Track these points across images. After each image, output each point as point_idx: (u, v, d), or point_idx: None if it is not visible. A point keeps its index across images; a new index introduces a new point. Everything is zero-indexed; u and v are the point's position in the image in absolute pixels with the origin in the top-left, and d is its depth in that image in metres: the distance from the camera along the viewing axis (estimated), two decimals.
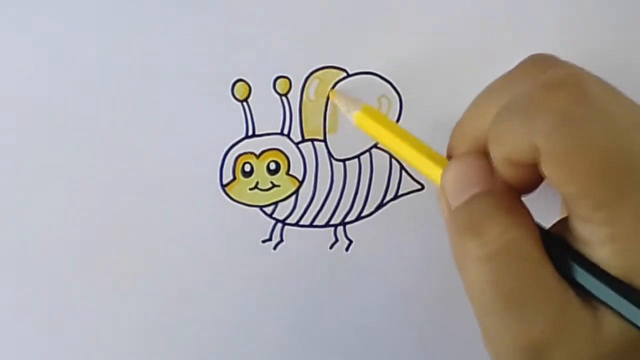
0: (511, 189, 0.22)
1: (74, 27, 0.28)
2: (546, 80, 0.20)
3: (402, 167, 0.31)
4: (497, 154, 0.22)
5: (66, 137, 0.29)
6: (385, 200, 0.31)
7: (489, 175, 0.22)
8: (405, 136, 0.27)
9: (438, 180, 0.24)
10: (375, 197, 0.31)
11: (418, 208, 0.31)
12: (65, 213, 0.30)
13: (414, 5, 0.29)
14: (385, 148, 0.30)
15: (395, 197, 0.31)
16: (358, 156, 0.31)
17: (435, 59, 0.30)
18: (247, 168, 0.30)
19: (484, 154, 0.23)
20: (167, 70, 0.29)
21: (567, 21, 0.30)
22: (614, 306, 0.20)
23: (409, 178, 0.31)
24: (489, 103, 0.22)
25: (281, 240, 0.31)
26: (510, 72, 0.23)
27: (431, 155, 0.26)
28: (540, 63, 0.22)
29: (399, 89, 0.30)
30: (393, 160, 0.31)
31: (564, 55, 0.23)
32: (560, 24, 0.30)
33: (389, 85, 0.30)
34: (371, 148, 0.30)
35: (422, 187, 0.31)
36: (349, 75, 0.30)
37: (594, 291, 0.20)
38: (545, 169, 0.20)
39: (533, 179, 0.21)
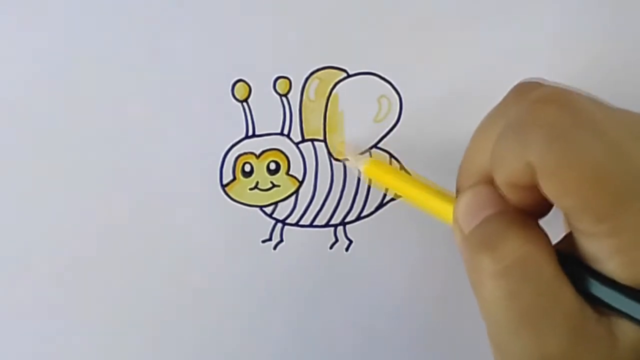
0: (523, 212, 0.22)
1: (73, 27, 0.28)
2: (534, 98, 0.20)
3: (402, 167, 0.31)
4: (500, 178, 0.22)
5: (66, 138, 0.29)
6: (385, 200, 0.31)
7: (500, 199, 0.22)
8: (413, 182, 0.27)
9: (451, 218, 0.24)
10: (375, 197, 0.31)
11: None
12: (65, 213, 0.30)
13: (414, 5, 0.29)
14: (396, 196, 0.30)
15: (395, 197, 0.31)
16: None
17: (435, 59, 0.30)
18: (247, 168, 0.30)
19: (492, 184, 0.23)
20: (167, 70, 0.29)
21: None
22: (634, 315, 0.20)
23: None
24: (487, 135, 0.23)
25: (281, 240, 0.31)
26: (499, 104, 0.23)
27: (441, 195, 0.26)
28: (525, 88, 0.22)
29: (399, 89, 0.30)
30: (393, 160, 0.31)
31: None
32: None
33: (389, 85, 0.30)
34: (371, 148, 0.30)
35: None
36: (349, 75, 0.30)
37: (612, 303, 0.20)
38: (542, 185, 0.20)
39: (542, 201, 0.21)
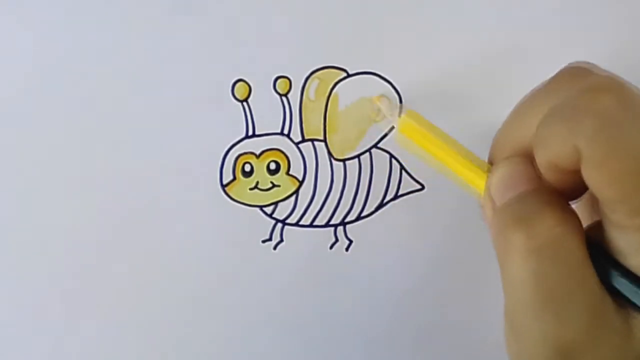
0: (558, 192, 0.22)
1: (74, 27, 0.28)
2: (589, 85, 0.20)
3: (402, 167, 0.31)
4: (542, 158, 0.22)
5: (66, 138, 0.29)
6: (385, 200, 0.31)
7: (536, 176, 0.22)
8: (450, 141, 0.26)
9: (481, 187, 0.24)
10: (375, 197, 0.31)
11: (418, 208, 0.31)
12: (65, 213, 0.30)
13: (414, 6, 0.29)
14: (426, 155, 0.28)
15: (395, 197, 0.31)
16: (358, 156, 0.31)
17: (435, 58, 0.30)
18: (247, 168, 0.30)
19: (529, 159, 0.23)
20: (167, 70, 0.29)
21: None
22: None
23: (409, 178, 0.31)
24: (530, 112, 0.22)
25: (281, 240, 0.31)
26: (549, 81, 0.23)
27: (476, 161, 0.25)
28: (580, 71, 0.22)
29: (399, 89, 0.30)
30: (393, 160, 0.31)
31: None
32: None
33: (389, 85, 0.30)
34: (371, 148, 0.30)
35: (422, 187, 0.31)
36: (349, 75, 0.30)
37: (633, 297, 0.20)
38: (586, 172, 0.20)
39: (578, 185, 0.21)
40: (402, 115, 0.28)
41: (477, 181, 0.25)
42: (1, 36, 0.28)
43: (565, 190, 0.22)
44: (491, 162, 0.25)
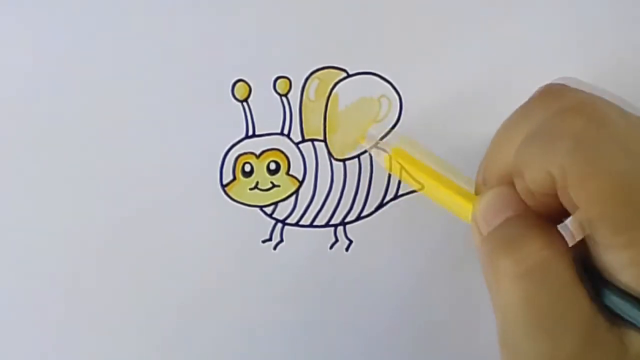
0: (543, 216, 0.22)
1: (74, 28, 0.28)
2: (560, 107, 0.20)
3: (402, 167, 0.31)
4: (521, 186, 0.22)
5: (66, 138, 0.29)
6: (385, 200, 0.31)
7: (521, 202, 0.22)
8: (435, 175, 0.27)
9: (468, 216, 0.24)
10: (375, 197, 0.31)
11: (418, 208, 0.31)
12: (65, 213, 0.30)
13: (415, 6, 0.29)
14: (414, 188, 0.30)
15: (395, 197, 0.31)
16: (358, 156, 0.31)
17: (435, 59, 0.30)
18: (247, 168, 0.30)
19: (513, 186, 0.23)
20: (167, 70, 0.29)
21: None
22: None
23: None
24: (510, 137, 0.23)
25: (281, 240, 0.31)
26: (524, 107, 0.23)
27: (461, 192, 0.26)
28: (553, 93, 0.22)
29: (399, 89, 0.30)
30: (393, 160, 0.31)
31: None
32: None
33: (389, 85, 0.30)
34: (371, 148, 0.30)
35: (422, 187, 0.31)
36: (349, 75, 0.30)
37: (624, 313, 0.20)
38: (563, 195, 0.20)
39: (560, 209, 0.21)
40: (389, 153, 0.29)
41: (464, 213, 0.25)
42: (1, 36, 0.28)
43: (551, 213, 0.22)
44: (477, 193, 0.25)
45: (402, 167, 0.29)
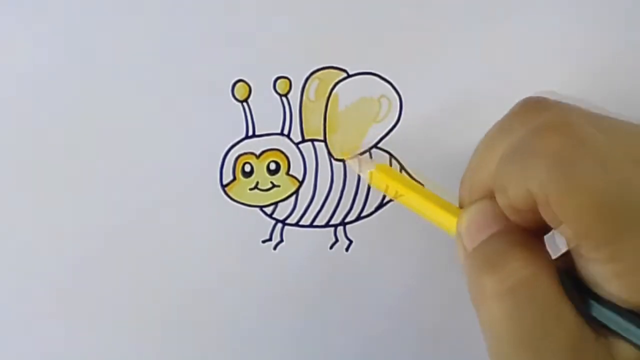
0: (526, 230, 0.22)
1: (74, 27, 0.28)
2: (537, 127, 0.20)
3: (402, 167, 0.31)
4: (502, 202, 0.22)
5: (65, 138, 0.29)
6: (385, 200, 0.31)
7: (503, 217, 0.22)
8: (419, 190, 0.28)
9: (453, 230, 0.24)
10: (375, 197, 0.31)
11: None
12: (64, 213, 0.30)
13: (415, 5, 0.29)
14: (399, 202, 0.30)
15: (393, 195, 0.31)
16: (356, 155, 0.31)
17: (435, 59, 0.30)
18: (247, 168, 0.30)
19: (495, 200, 0.23)
20: (167, 70, 0.29)
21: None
22: (632, 339, 0.20)
23: (409, 178, 0.31)
24: (490, 152, 0.23)
25: (281, 240, 0.31)
26: (503, 120, 0.23)
27: (445, 206, 0.26)
28: (531, 108, 0.22)
29: (399, 89, 0.30)
30: (393, 160, 0.31)
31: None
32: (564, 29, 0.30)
33: (389, 85, 0.30)
34: (371, 148, 0.30)
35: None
36: (349, 75, 0.30)
37: (611, 325, 0.20)
38: (543, 212, 0.20)
39: (543, 223, 0.21)
40: (372, 170, 0.29)
41: (449, 226, 0.25)
42: (1, 36, 0.28)
43: (534, 226, 0.22)
44: (461, 206, 0.25)
45: (385, 183, 0.29)
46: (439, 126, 0.30)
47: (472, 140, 0.30)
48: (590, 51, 0.30)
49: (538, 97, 0.23)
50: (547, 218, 0.20)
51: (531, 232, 0.22)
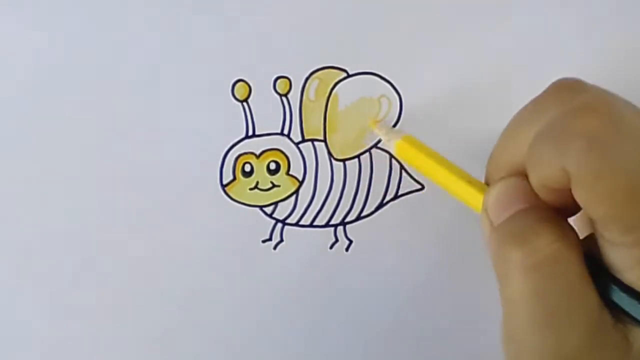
0: (555, 210, 0.22)
1: (74, 28, 0.28)
2: (575, 106, 0.20)
3: (402, 167, 0.31)
4: (534, 180, 0.22)
5: (65, 137, 0.29)
6: (385, 200, 0.31)
7: (532, 193, 0.22)
8: (445, 164, 0.27)
9: (479, 207, 0.24)
10: (375, 197, 0.31)
11: (418, 208, 0.31)
12: (65, 213, 0.30)
13: (415, 5, 0.29)
14: (425, 175, 0.29)
15: (395, 197, 0.31)
16: (358, 156, 0.31)
17: (435, 59, 0.30)
18: (247, 168, 0.30)
19: (524, 177, 0.23)
20: (167, 70, 0.29)
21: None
22: None
23: (409, 178, 0.31)
24: (521, 131, 0.23)
25: (281, 240, 0.31)
26: (538, 99, 0.23)
27: (471, 181, 0.26)
28: (568, 88, 0.22)
29: (399, 89, 0.30)
30: (393, 160, 0.31)
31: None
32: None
33: (389, 85, 0.30)
34: (371, 148, 0.30)
35: (422, 187, 0.31)
36: (349, 75, 0.30)
37: (631, 311, 0.20)
38: (576, 193, 0.20)
39: (573, 203, 0.21)
40: (398, 140, 0.28)
41: (474, 202, 0.25)
42: (1, 36, 0.28)
43: (562, 206, 0.22)
44: (487, 182, 0.25)
45: (411, 155, 0.28)
46: (439, 126, 0.30)
47: (473, 140, 0.30)
48: (590, 51, 0.30)
49: (574, 79, 0.22)
50: (578, 197, 0.20)
51: (559, 211, 0.22)
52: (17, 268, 0.30)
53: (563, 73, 0.30)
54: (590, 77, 0.29)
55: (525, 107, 0.23)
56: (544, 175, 0.21)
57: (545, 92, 0.23)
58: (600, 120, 0.19)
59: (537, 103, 0.23)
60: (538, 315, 0.21)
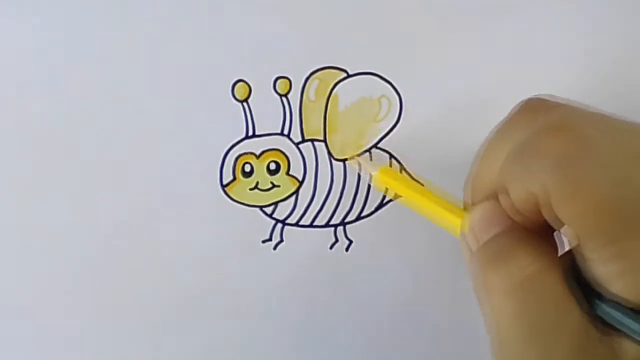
0: (531, 230, 0.22)
1: (74, 28, 0.28)
2: (542, 126, 0.21)
3: (402, 167, 0.31)
4: (506, 202, 0.22)
5: (65, 138, 0.29)
6: (385, 200, 0.31)
7: (508, 217, 0.23)
8: (423, 192, 0.28)
9: (457, 231, 0.24)
10: (375, 197, 0.31)
11: None
12: (65, 213, 0.30)
13: (415, 6, 0.29)
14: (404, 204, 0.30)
15: (395, 197, 0.31)
16: (358, 156, 0.31)
17: (435, 59, 0.30)
18: (247, 168, 0.30)
19: (499, 201, 0.23)
20: (168, 70, 0.29)
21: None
22: (637, 338, 0.20)
23: (412, 180, 0.31)
24: (494, 154, 0.23)
25: (281, 240, 0.31)
26: (506, 120, 0.23)
27: (450, 208, 0.26)
28: (534, 108, 0.22)
29: (399, 89, 0.30)
30: (393, 160, 0.31)
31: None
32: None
33: (389, 85, 0.30)
34: (371, 148, 0.30)
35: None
36: (349, 75, 0.30)
37: (615, 323, 0.20)
38: (546, 213, 0.20)
39: (548, 224, 0.21)
40: (376, 173, 0.29)
41: (453, 229, 0.25)
42: (1, 36, 0.28)
43: (539, 227, 0.22)
44: (465, 205, 0.25)
45: (390, 185, 0.29)
46: (439, 126, 0.30)
47: (472, 140, 0.30)
48: (591, 51, 0.30)
49: (539, 98, 0.23)
50: (550, 219, 0.20)
51: (536, 231, 0.22)
52: (17, 268, 0.30)
53: (564, 73, 0.30)
54: (590, 77, 0.30)
55: (494, 132, 0.24)
56: (516, 196, 0.21)
57: (510, 114, 0.23)
58: (567, 139, 0.20)
59: (506, 125, 0.23)
60: (522, 336, 0.21)
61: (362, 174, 0.30)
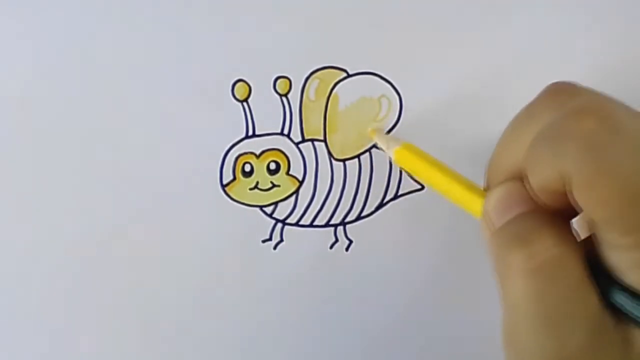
0: (555, 213, 0.22)
1: (74, 28, 0.28)
2: (571, 109, 0.20)
3: (410, 162, 0.31)
4: (533, 184, 0.22)
5: (65, 137, 0.29)
6: (385, 200, 0.31)
7: (531, 198, 0.22)
8: (444, 170, 0.27)
9: (478, 212, 0.24)
10: (375, 197, 0.31)
11: (418, 208, 0.31)
12: (64, 213, 0.30)
13: (415, 6, 0.29)
14: (424, 183, 0.30)
15: (395, 197, 0.31)
16: (358, 156, 0.31)
17: (435, 59, 0.30)
18: (247, 168, 0.30)
19: (522, 181, 0.23)
20: (168, 70, 0.29)
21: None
22: None
23: (408, 178, 0.31)
24: (518, 136, 0.23)
25: (281, 240, 0.31)
26: (533, 103, 0.23)
27: (470, 187, 0.26)
28: (562, 92, 0.22)
29: (399, 89, 0.30)
30: (402, 154, 0.31)
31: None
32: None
33: (389, 85, 0.30)
34: (371, 148, 0.30)
35: (422, 188, 0.31)
36: (349, 75, 0.30)
37: (631, 312, 0.20)
38: (575, 195, 0.20)
39: (571, 206, 0.21)
40: (397, 147, 0.28)
41: (474, 207, 0.25)
42: (1, 36, 0.28)
43: (562, 209, 0.22)
44: (487, 187, 0.25)
45: (410, 162, 0.28)
46: (439, 126, 0.30)
47: (472, 140, 0.30)
48: (591, 51, 0.30)
49: (568, 82, 0.22)
50: (578, 201, 0.20)
51: (559, 214, 0.22)
52: (17, 268, 0.30)
53: (563, 73, 0.30)
54: (590, 77, 0.30)
55: (521, 112, 0.23)
56: (543, 179, 0.21)
57: (539, 96, 0.23)
58: (597, 122, 0.19)
59: (533, 107, 0.23)
60: (539, 318, 0.21)
61: (385, 151, 0.30)
